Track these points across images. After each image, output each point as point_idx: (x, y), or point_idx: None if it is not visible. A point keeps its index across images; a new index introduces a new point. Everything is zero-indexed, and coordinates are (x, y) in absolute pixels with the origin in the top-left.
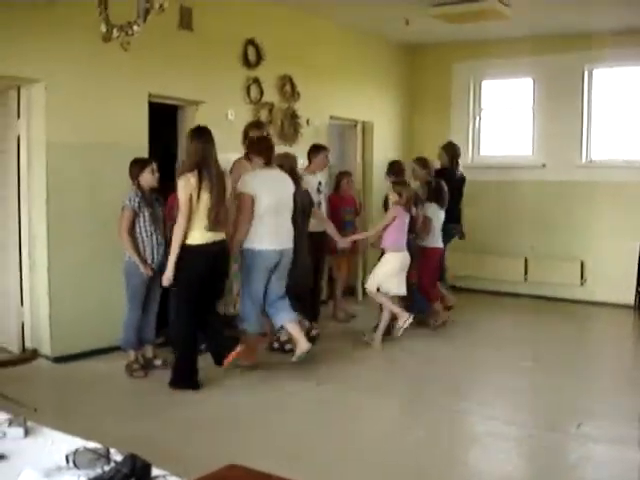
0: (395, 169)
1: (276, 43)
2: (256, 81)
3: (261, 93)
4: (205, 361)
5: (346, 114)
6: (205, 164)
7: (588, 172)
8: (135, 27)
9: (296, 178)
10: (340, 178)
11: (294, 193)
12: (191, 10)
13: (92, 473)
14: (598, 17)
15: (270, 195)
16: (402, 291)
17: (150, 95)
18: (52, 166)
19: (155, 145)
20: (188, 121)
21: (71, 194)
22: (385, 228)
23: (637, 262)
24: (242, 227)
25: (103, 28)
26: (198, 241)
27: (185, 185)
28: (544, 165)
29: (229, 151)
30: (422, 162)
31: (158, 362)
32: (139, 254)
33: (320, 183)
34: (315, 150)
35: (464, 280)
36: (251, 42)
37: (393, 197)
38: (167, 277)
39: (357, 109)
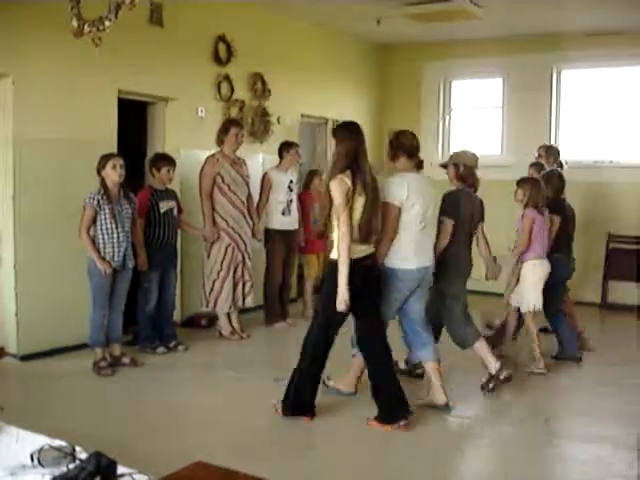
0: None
1: (247, 40)
2: (227, 78)
3: (232, 90)
4: (166, 357)
5: (317, 112)
6: (357, 165)
7: None
8: (107, 22)
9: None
10: (310, 176)
11: (467, 204)
12: (161, 6)
13: (57, 471)
14: (567, 18)
15: (419, 204)
16: (539, 304)
17: (120, 91)
18: (19, 162)
19: (124, 142)
20: (158, 118)
21: (39, 190)
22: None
23: (603, 261)
24: (385, 242)
25: (74, 23)
26: (356, 255)
27: (340, 185)
28: (513, 164)
29: (199, 148)
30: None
31: (126, 360)
32: (98, 252)
33: (291, 181)
34: (286, 147)
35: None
36: (222, 39)
37: (518, 196)
38: (342, 300)
39: (328, 107)
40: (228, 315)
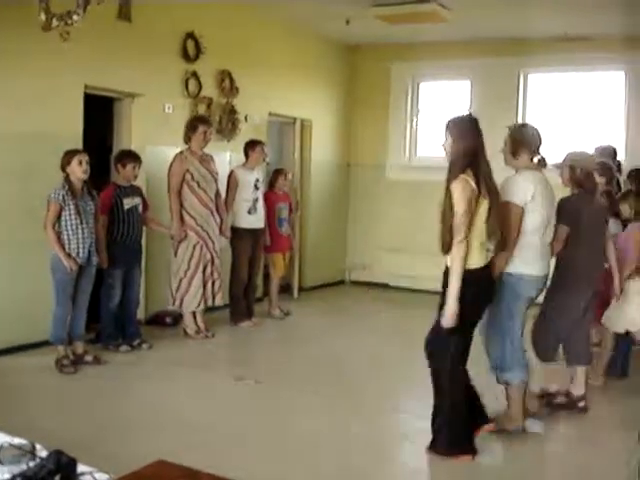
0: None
1: (216, 38)
2: (194, 75)
3: (199, 87)
4: (130, 355)
5: (285, 111)
6: (477, 164)
7: None
8: (75, 17)
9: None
10: (276, 175)
11: (586, 210)
12: (130, 1)
13: (16, 469)
14: (534, 23)
15: (543, 206)
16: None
17: (86, 86)
18: None
19: (90, 137)
20: (124, 114)
21: (1, 185)
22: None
23: None
24: (509, 248)
25: (42, 17)
26: (477, 264)
27: (465, 190)
28: None
29: (166, 145)
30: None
31: (89, 358)
32: (63, 248)
33: (258, 180)
34: (251, 145)
35: (403, 280)
36: (190, 35)
37: (625, 213)
38: (450, 316)
39: (296, 106)
40: (193, 313)
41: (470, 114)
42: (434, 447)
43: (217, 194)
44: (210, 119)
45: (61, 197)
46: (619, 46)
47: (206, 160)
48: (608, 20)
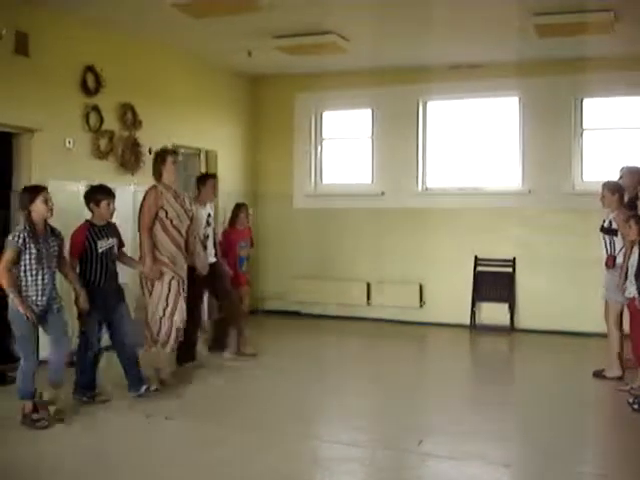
0: None
1: (117, 70)
2: (95, 109)
3: (101, 121)
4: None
5: (190, 142)
6: None
7: (424, 199)
8: None
9: None
10: (236, 211)
11: None
12: (27, 35)
13: None
14: (431, 53)
15: None
16: None
17: None
18: None
19: None
20: (24, 149)
21: None
22: None
23: (472, 283)
24: None
25: None
26: None
27: None
28: (383, 193)
29: (68, 179)
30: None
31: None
32: (20, 294)
33: (209, 215)
34: (203, 179)
35: (308, 306)
36: (90, 69)
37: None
38: None
39: (201, 138)
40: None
41: None
42: None
43: (188, 232)
44: (173, 149)
45: (21, 240)
46: (512, 72)
47: (179, 196)
48: (500, 48)
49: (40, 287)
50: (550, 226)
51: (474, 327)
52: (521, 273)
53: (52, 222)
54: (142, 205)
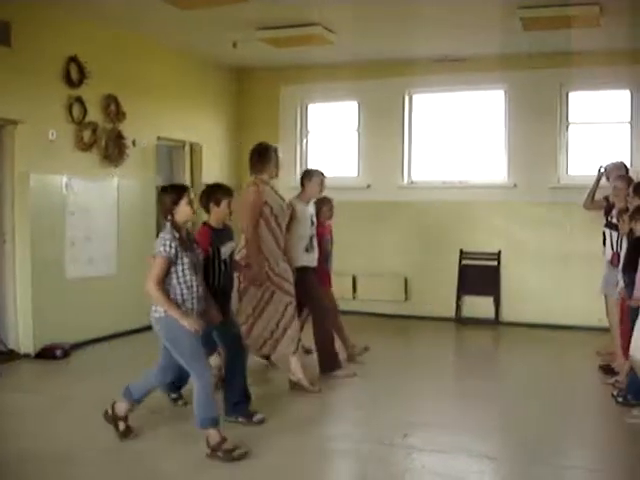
0: None
1: (101, 61)
2: (79, 100)
3: (84, 113)
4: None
5: (174, 135)
6: None
7: (410, 192)
8: None
9: None
10: (320, 205)
11: None
12: (9, 25)
13: None
14: (417, 45)
15: None
16: None
17: None
18: None
19: None
20: (6, 141)
21: None
22: None
23: (457, 277)
24: None
25: None
26: None
27: None
28: (369, 186)
29: (51, 172)
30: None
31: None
32: (179, 308)
33: (312, 214)
34: (309, 174)
35: None
36: (73, 59)
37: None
38: None
39: (186, 130)
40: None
41: None
42: None
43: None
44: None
45: (174, 250)
46: (498, 65)
47: (275, 191)
48: (486, 41)
49: (196, 298)
50: (535, 219)
51: (459, 320)
52: (506, 266)
53: (34, 216)
54: (246, 200)
